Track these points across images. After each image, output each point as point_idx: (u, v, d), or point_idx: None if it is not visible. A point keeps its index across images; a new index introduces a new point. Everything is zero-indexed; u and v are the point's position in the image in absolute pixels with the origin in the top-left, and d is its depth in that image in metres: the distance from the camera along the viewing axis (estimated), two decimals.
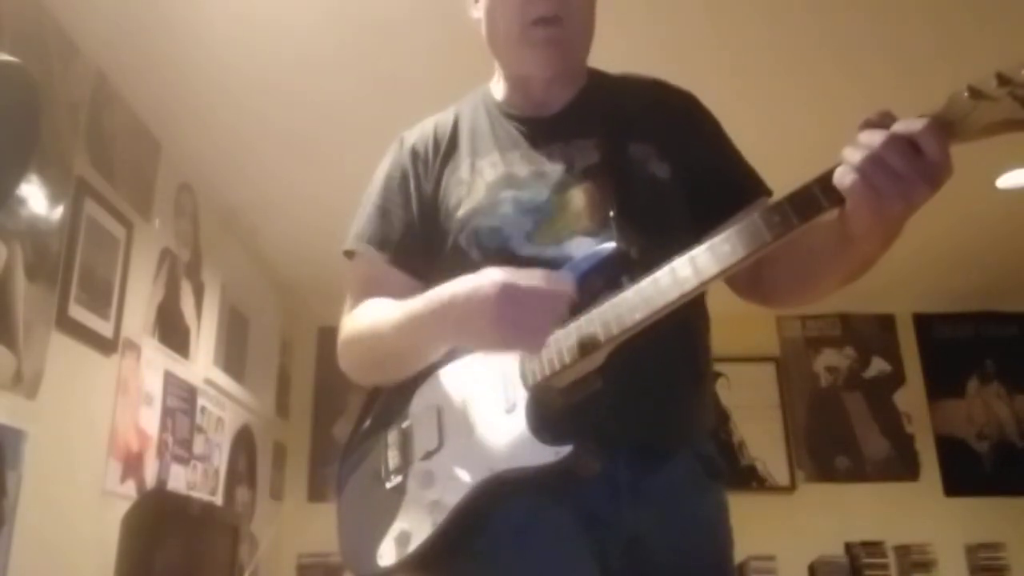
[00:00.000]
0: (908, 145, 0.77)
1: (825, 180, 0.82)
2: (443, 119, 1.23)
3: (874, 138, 0.79)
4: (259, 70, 2.53)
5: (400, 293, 1.13)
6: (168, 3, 2.24)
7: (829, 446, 4.48)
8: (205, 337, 3.24)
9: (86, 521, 2.29)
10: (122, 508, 2.40)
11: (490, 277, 0.92)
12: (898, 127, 0.78)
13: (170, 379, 2.86)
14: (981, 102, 0.76)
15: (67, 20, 2.24)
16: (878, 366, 4.64)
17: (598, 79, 1.22)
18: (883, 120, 0.80)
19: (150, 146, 2.81)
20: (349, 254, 1.21)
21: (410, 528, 0.98)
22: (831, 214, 0.83)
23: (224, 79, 2.56)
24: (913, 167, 0.77)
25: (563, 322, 0.93)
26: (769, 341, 4.66)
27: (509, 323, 0.90)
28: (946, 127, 0.77)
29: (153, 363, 2.74)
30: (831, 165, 0.83)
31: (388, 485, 1.04)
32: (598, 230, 1.04)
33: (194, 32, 2.35)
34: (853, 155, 0.79)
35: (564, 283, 0.92)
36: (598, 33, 1.21)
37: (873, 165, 0.78)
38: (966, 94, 0.76)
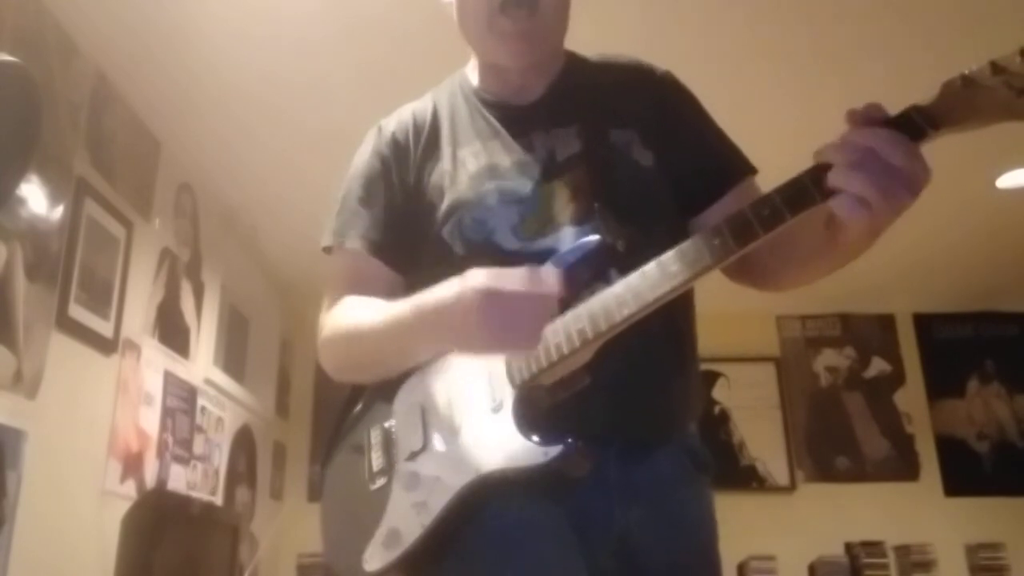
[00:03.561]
0: (878, 159, 0.76)
1: (816, 172, 0.81)
2: (420, 107, 1.20)
3: (848, 157, 0.77)
4: (260, 70, 2.53)
5: (382, 287, 1.11)
6: (168, 3, 2.24)
7: (829, 446, 4.48)
8: (205, 337, 3.24)
9: (86, 521, 2.29)
10: (122, 508, 2.40)
11: (474, 282, 0.89)
12: (861, 140, 0.77)
13: (170, 379, 2.86)
14: (975, 91, 0.75)
15: (67, 20, 2.24)
16: (878, 366, 4.64)
17: (576, 63, 1.20)
18: (870, 114, 0.79)
19: (150, 146, 2.81)
20: (328, 249, 1.17)
21: (396, 531, 0.96)
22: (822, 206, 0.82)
23: (224, 79, 2.56)
24: (890, 180, 0.76)
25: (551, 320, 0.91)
26: (769, 341, 4.66)
27: (497, 329, 0.87)
28: (945, 117, 0.76)
29: (153, 363, 2.74)
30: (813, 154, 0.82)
31: (372, 487, 1.02)
32: (583, 221, 1.03)
33: (194, 32, 2.35)
34: (850, 182, 0.78)
35: (549, 282, 0.89)
36: (579, 24, 1.17)
37: (854, 182, 0.77)
38: (960, 83, 0.76)
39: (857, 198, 0.77)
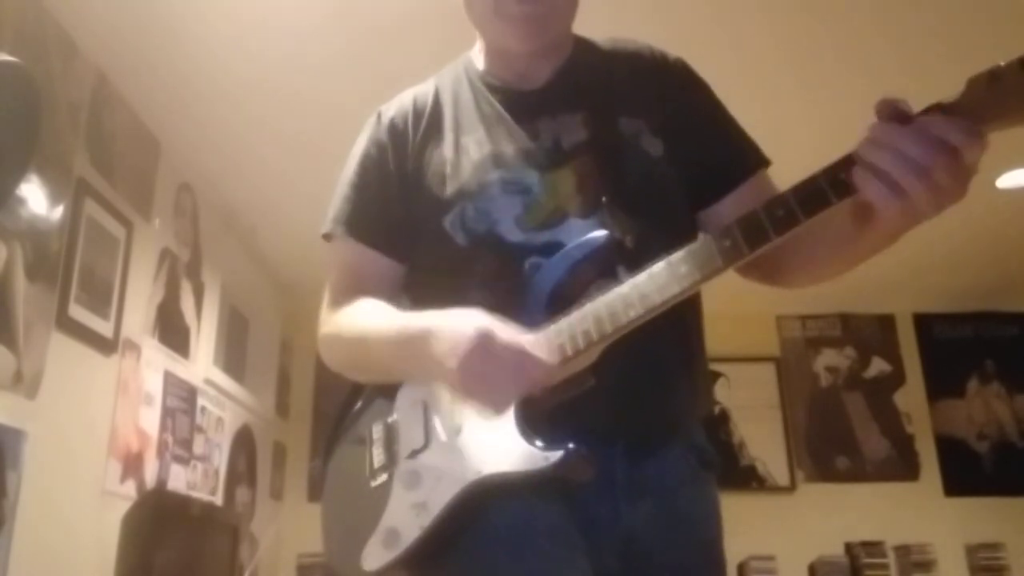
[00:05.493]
0: (955, 156, 0.72)
1: (833, 173, 0.78)
2: (422, 91, 1.17)
3: (924, 154, 0.72)
4: (259, 70, 2.53)
5: (378, 275, 1.10)
6: (168, 3, 2.24)
7: (829, 446, 4.48)
8: (205, 337, 3.24)
9: (86, 521, 2.29)
10: (122, 508, 2.40)
11: (473, 321, 0.88)
12: (945, 135, 0.72)
13: (170, 379, 2.86)
14: (1003, 89, 0.71)
15: (67, 20, 2.23)
16: (878, 366, 4.64)
17: (584, 48, 1.17)
18: (897, 110, 0.75)
19: (150, 146, 2.81)
20: (327, 237, 1.15)
21: (395, 531, 0.95)
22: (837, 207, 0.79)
23: (224, 79, 2.56)
24: (955, 179, 0.73)
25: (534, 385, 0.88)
26: (769, 341, 4.65)
27: (475, 374, 0.86)
28: (970, 115, 0.72)
29: (153, 363, 2.74)
30: (834, 155, 0.79)
31: (373, 484, 1.01)
32: (590, 213, 1.00)
33: (194, 32, 2.35)
34: (902, 173, 0.73)
35: (547, 358, 0.87)
36: (593, 19, 1.16)
37: (920, 182, 0.73)
38: (986, 80, 0.72)
39: (896, 188, 0.74)
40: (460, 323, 0.89)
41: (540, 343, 0.88)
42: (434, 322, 0.93)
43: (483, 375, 0.86)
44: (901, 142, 0.74)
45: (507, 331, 0.87)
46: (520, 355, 0.86)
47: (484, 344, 0.86)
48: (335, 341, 1.10)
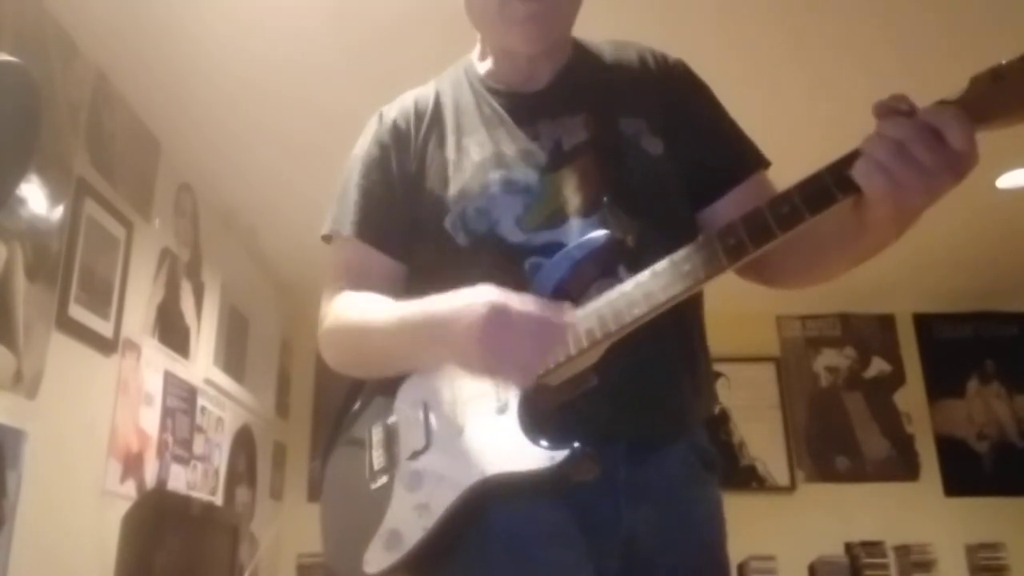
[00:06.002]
0: (934, 136, 0.73)
1: (838, 170, 0.78)
2: (423, 93, 1.17)
3: (898, 130, 0.74)
4: (259, 71, 2.53)
5: (380, 276, 1.09)
6: (168, 4, 2.24)
7: (829, 446, 4.48)
8: (205, 337, 3.24)
9: (86, 521, 2.29)
10: (122, 508, 2.40)
11: (484, 296, 0.87)
12: (924, 116, 0.74)
13: (170, 379, 2.86)
14: (1006, 87, 0.71)
15: (67, 20, 2.23)
16: (878, 366, 4.64)
17: (584, 50, 1.17)
18: (898, 104, 0.76)
19: (150, 146, 2.81)
20: (327, 238, 1.15)
21: (397, 533, 0.94)
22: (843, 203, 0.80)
23: (224, 79, 2.56)
24: (938, 159, 0.73)
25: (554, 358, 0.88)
26: (769, 341, 4.66)
27: (496, 349, 0.85)
28: (972, 113, 0.72)
29: (153, 363, 2.74)
30: (839, 153, 0.79)
31: (373, 486, 1.00)
32: (590, 213, 1.00)
33: (195, 32, 2.35)
34: (875, 148, 0.76)
35: (562, 316, 0.86)
36: (593, 19, 1.15)
37: (897, 158, 0.74)
38: (989, 78, 0.72)
39: (877, 163, 0.75)
40: (470, 302, 0.87)
41: (553, 306, 0.88)
42: (442, 305, 0.91)
43: (506, 348, 0.85)
44: (883, 126, 0.76)
45: (518, 299, 0.87)
46: (538, 320, 0.85)
47: (501, 317, 0.85)
48: (335, 336, 1.09)
